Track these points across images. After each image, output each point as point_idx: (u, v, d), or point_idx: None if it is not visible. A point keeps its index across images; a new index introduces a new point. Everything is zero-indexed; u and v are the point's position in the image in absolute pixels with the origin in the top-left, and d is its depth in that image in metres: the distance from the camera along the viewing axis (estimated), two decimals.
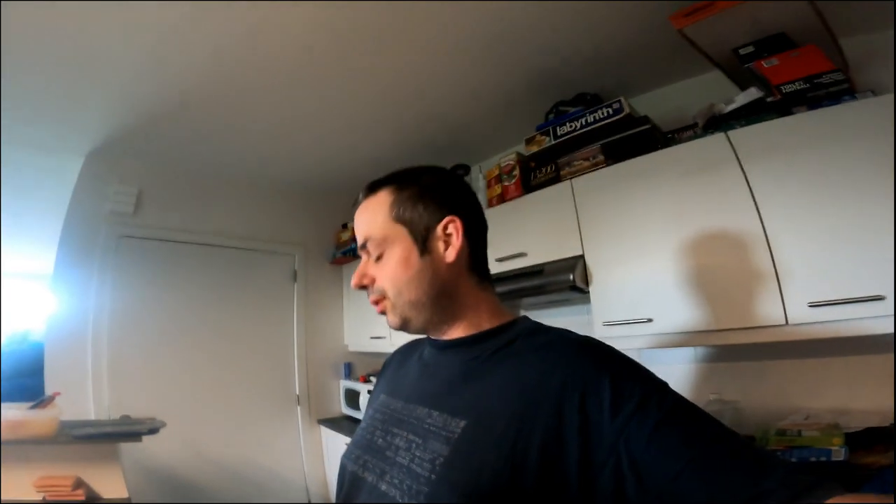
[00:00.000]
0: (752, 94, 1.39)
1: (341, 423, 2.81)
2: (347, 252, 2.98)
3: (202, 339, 2.64)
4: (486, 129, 2.30)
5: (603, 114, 1.68)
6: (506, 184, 1.99)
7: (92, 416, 2.24)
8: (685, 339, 1.43)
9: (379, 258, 0.71)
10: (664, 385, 0.57)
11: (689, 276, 1.42)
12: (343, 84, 1.85)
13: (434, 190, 0.72)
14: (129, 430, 1.51)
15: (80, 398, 2.25)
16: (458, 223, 0.70)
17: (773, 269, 1.25)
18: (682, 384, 1.72)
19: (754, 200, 1.30)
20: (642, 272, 1.52)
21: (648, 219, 1.53)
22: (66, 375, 2.25)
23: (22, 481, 1.40)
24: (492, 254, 1.89)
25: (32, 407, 1.50)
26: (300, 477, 2.77)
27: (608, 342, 1.55)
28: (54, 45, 1.54)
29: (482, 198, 2.16)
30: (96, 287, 2.38)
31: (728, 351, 1.63)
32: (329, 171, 2.73)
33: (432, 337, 0.76)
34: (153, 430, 1.55)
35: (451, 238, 0.70)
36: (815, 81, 1.25)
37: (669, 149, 1.53)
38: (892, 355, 1.27)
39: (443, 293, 0.69)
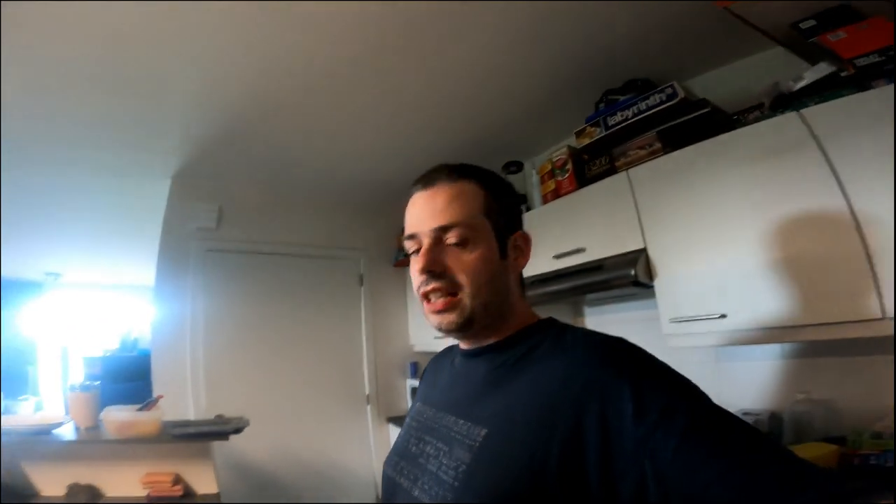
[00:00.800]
0: (823, 69, 1.26)
1: None
2: (408, 255, 3.03)
3: (281, 342, 2.84)
4: (535, 123, 2.25)
5: (656, 100, 1.59)
6: (559, 178, 1.94)
7: (191, 416, 2.50)
8: (764, 335, 1.31)
9: (459, 248, 0.66)
10: (693, 390, 0.55)
11: (767, 267, 1.29)
12: (393, 92, 1.89)
13: (510, 198, 0.75)
14: (218, 430, 1.66)
15: (182, 399, 2.52)
16: (529, 238, 0.74)
17: (865, 257, 1.10)
18: (764, 382, 1.59)
19: (839, 182, 1.15)
20: (713, 264, 1.42)
21: (716, 207, 1.42)
22: (169, 379, 2.53)
23: (131, 479, 1.59)
24: (548, 250, 1.91)
25: (140, 409, 1.71)
26: (370, 473, 2.91)
27: (677, 340, 1.45)
28: (128, 80, 1.70)
29: (536, 194, 2.12)
30: (190, 298, 2.65)
31: (815, 346, 1.47)
32: (386, 177, 2.80)
33: (462, 345, 0.76)
34: (238, 430, 1.70)
35: (520, 249, 0.72)
36: (890, 54, 1.11)
37: (735, 132, 1.40)
38: None
39: (506, 300, 0.70)
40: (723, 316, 1.37)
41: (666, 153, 1.57)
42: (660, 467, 0.47)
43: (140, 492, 1.59)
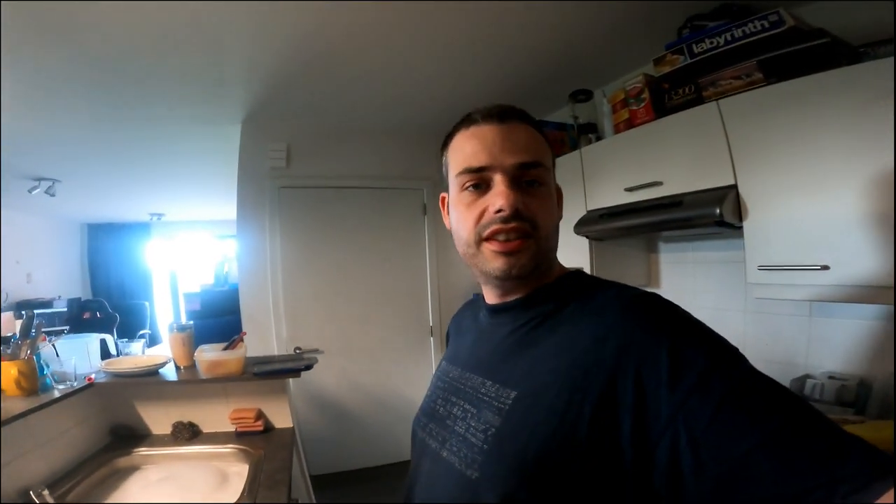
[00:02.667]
0: None
1: None
2: None
3: (350, 276, 2.98)
4: (607, 49, 2.00)
5: (756, 27, 1.34)
6: (633, 108, 1.73)
7: (275, 349, 2.75)
8: (870, 294, 1.13)
9: (536, 189, 0.62)
10: (734, 353, 0.50)
11: (881, 217, 1.09)
12: (449, 16, 1.74)
13: (550, 149, 0.71)
14: (290, 367, 1.79)
15: (267, 332, 2.78)
16: (561, 191, 0.71)
17: None
18: (859, 345, 1.40)
19: None
20: (817, 209, 1.22)
21: (827, 147, 1.20)
22: (255, 312, 2.78)
23: (222, 415, 1.79)
24: (619, 182, 1.77)
25: (226, 347, 1.88)
26: None
27: (764, 290, 1.32)
28: (192, 36, 1.76)
29: (607, 123, 1.91)
30: (268, 233, 2.83)
31: None
32: (445, 105, 2.66)
33: (489, 299, 0.72)
34: (308, 367, 1.82)
35: (560, 199, 0.70)
36: None
37: (861, 65, 1.16)
38: None
39: (555, 248, 0.68)
40: (825, 267, 1.19)
41: (769, 84, 1.33)
42: (695, 434, 0.44)
43: (230, 427, 1.78)
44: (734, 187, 1.41)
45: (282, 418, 1.84)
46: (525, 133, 0.64)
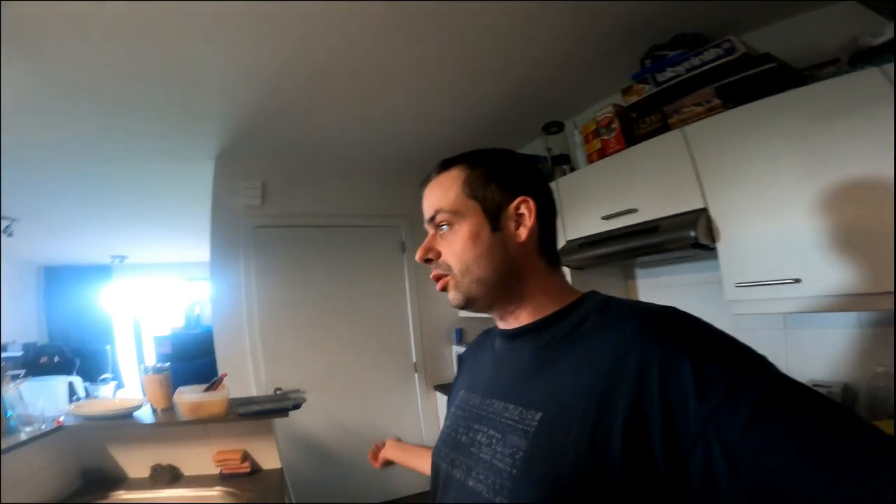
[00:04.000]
0: None
1: None
2: None
3: (329, 313, 2.92)
4: (576, 82, 2.11)
5: (712, 55, 1.47)
6: (605, 137, 1.82)
7: (253, 390, 2.64)
8: (843, 302, 1.20)
9: (446, 232, 0.69)
10: (761, 362, 0.50)
11: (846, 227, 1.18)
12: (424, 56, 1.81)
13: (507, 169, 0.71)
14: (279, 407, 1.73)
15: (244, 374, 2.67)
16: (531, 203, 0.68)
17: None
18: (837, 352, 1.47)
19: None
20: (784, 226, 1.30)
21: (787, 165, 1.29)
22: (231, 354, 2.67)
23: (205, 457, 1.71)
24: (596, 211, 1.82)
25: (207, 388, 1.80)
26: (419, 441, 2.97)
27: (743, 307, 1.38)
28: (166, 69, 1.74)
29: (580, 155, 2.00)
30: (243, 273, 2.76)
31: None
32: (422, 143, 2.73)
33: (500, 325, 0.73)
34: (297, 406, 1.76)
35: (522, 218, 0.68)
36: None
37: (807, 87, 1.27)
38: None
39: (511, 273, 0.67)
40: (797, 280, 1.26)
41: (727, 109, 1.44)
42: (728, 445, 0.44)
43: (214, 469, 1.70)
44: (705, 210, 1.48)
45: (269, 459, 1.76)
46: (433, 188, 0.71)
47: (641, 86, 1.64)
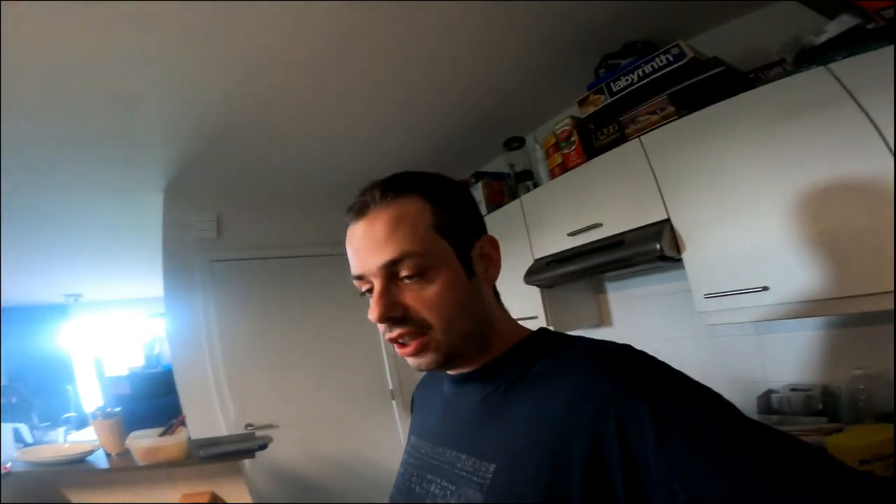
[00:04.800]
0: (847, 21, 1.15)
1: None
2: None
3: (299, 344, 2.81)
4: (533, 95, 2.10)
5: (662, 61, 1.47)
6: (565, 151, 1.80)
7: (223, 426, 2.51)
8: (811, 308, 1.19)
9: (415, 282, 0.56)
10: (721, 403, 0.48)
11: (808, 232, 1.17)
12: (378, 78, 1.78)
13: (468, 204, 0.65)
14: (243, 448, 1.64)
15: (210, 412, 2.52)
16: (495, 241, 0.64)
17: None
18: (812, 354, 1.47)
19: (882, 138, 1.03)
20: (747, 233, 1.29)
21: (744, 171, 1.29)
22: (195, 392, 2.53)
23: (170, 500, 1.60)
24: (562, 228, 1.80)
25: (163, 433, 1.69)
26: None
27: (714, 317, 1.36)
28: (106, 97, 1.63)
29: (543, 169, 1.99)
30: (202, 309, 2.62)
31: (865, 315, 1.33)
32: (384, 166, 2.65)
33: (449, 371, 0.66)
34: (263, 447, 1.68)
35: (488, 259, 0.63)
36: None
37: (758, 89, 1.27)
38: None
39: (486, 322, 0.62)
40: (765, 288, 1.25)
41: (681, 116, 1.44)
42: (693, 491, 0.42)
43: None
44: (668, 221, 1.46)
45: (240, 500, 1.67)
46: (386, 221, 0.56)
47: (597, 96, 1.62)
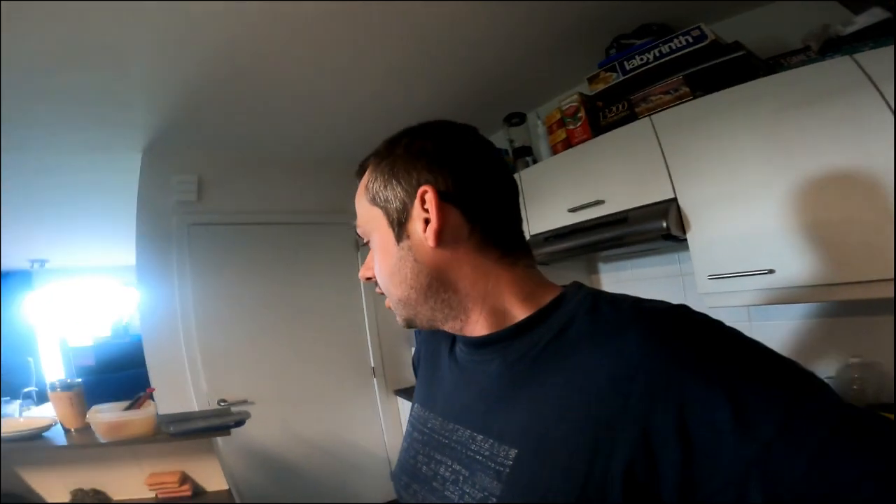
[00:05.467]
0: (877, 14, 1.14)
1: None
2: None
3: (279, 316, 2.70)
4: (537, 72, 2.04)
5: (681, 42, 1.43)
6: (570, 127, 1.75)
7: (194, 402, 2.39)
8: (811, 293, 1.19)
9: (370, 248, 0.60)
10: (815, 384, 0.39)
11: (817, 218, 1.16)
12: (377, 41, 1.68)
13: (408, 157, 0.54)
14: (219, 425, 1.54)
15: (181, 386, 2.41)
16: (432, 193, 0.51)
17: None
18: (803, 343, 1.48)
19: None
20: (755, 216, 1.27)
21: (757, 155, 1.27)
22: (165, 365, 2.40)
23: (135, 480, 1.49)
24: (562, 203, 1.74)
25: (128, 407, 1.58)
26: (381, 449, 2.84)
27: (716, 299, 1.33)
28: (87, 50, 1.52)
29: (543, 146, 1.93)
30: (177, 276, 2.49)
31: (855, 305, 1.34)
32: (377, 134, 2.56)
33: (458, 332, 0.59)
34: (240, 423, 1.58)
35: (426, 216, 0.52)
36: None
37: (778, 75, 1.25)
38: None
39: (436, 285, 0.54)
40: (771, 271, 1.23)
41: (696, 97, 1.41)
42: (779, 491, 0.34)
43: (148, 493, 1.50)
44: (674, 200, 1.44)
45: (213, 480, 1.58)
46: (356, 196, 0.61)
47: (608, 74, 1.58)
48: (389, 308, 0.61)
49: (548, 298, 0.53)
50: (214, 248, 2.60)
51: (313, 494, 2.57)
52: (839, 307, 1.39)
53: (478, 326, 0.55)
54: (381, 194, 0.55)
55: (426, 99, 2.20)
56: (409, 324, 0.59)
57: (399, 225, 0.54)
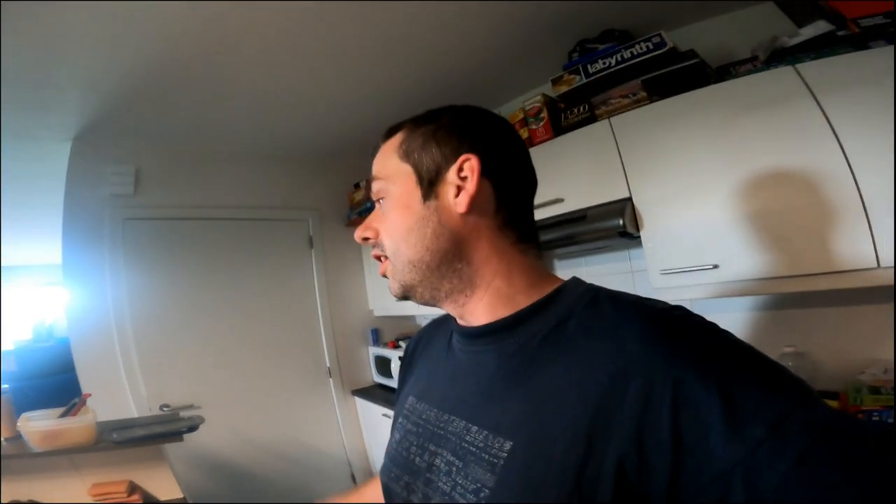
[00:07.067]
0: (821, 27, 1.24)
1: (375, 393, 2.77)
2: (363, 212, 2.84)
3: (226, 317, 2.57)
4: (500, 73, 2.08)
5: (642, 48, 1.52)
6: (533, 127, 1.81)
7: (132, 408, 2.23)
8: (756, 286, 1.29)
9: (383, 205, 0.59)
10: (805, 389, 0.41)
11: (760, 215, 1.27)
12: (338, 33, 1.64)
13: (453, 126, 0.57)
14: (169, 430, 1.45)
15: (117, 391, 2.23)
16: (475, 161, 0.54)
17: (861, 208, 1.11)
18: (746, 336, 1.60)
19: (835, 134, 1.14)
20: (702, 214, 1.37)
21: (705, 157, 1.37)
22: (98, 369, 2.21)
23: (76, 490, 1.37)
24: None
25: (64, 414, 1.44)
26: (341, 451, 2.78)
27: (668, 294, 1.42)
28: (16, 25, 1.36)
29: None
30: (110, 274, 2.30)
31: (790, 298, 1.48)
32: (335, 128, 2.53)
33: (459, 321, 0.61)
34: (193, 428, 1.49)
35: (465, 182, 0.54)
36: None
37: (727, 82, 1.36)
38: None
39: (452, 252, 0.55)
40: (715, 266, 1.34)
41: (652, 101, 1.51)
42: (759, 492, 0.35)
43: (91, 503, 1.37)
44: (630, 199, 1.53)
45: (166, 489, 1.47)
46: (380, 155, 0.61)
47: (572, 76, 1.65)
48: (384, 275, 0.60)
49: (549, 289, 0.55)
50: (154, 245, 2.43)
51: (271, 500, 2.47)
52: (778, 301, 1.52)
53: (479, 307, 0.56)
54: (416, 153, 0.56)
55: (388, 96, 2.17)
56: (407, 291, 0.57)
57: (429, 185, 0.55)
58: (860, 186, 1.10)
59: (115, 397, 2.20)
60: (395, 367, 2.67)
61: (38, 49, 1.48)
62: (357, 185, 2.94)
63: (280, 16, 1.50)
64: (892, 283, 1.07)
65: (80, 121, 2.11)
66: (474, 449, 0.49)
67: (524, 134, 1.84)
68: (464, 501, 0.47)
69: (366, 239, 0.60)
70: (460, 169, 0.54)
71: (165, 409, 2.28)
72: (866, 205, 1.10)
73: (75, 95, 1.88)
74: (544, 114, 1.76)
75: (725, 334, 0.45)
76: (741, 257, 1.29)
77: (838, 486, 0.34)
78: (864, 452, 0.36)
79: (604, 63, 1.58)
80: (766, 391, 0.39)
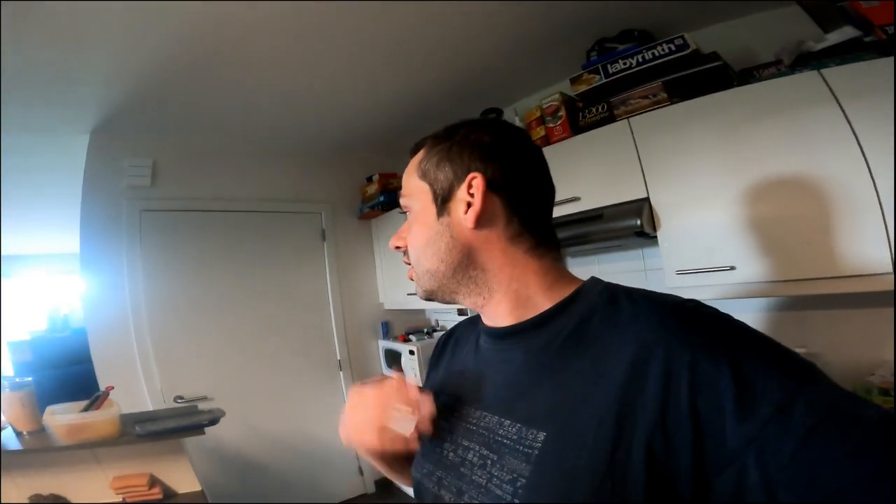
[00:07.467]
0: (848, 32, 1.23)
1: None
2: (375, 206, 2.86)
3: (239, 309, 2.60)
4: (517, 70, 2.08)
5: (664, 50, 1.52)
6: (550, 125, 1.81)
7: (146, 399, 2.26)
8: (771, 288, 1.30)
9: (408, 218, 0.66)
10: (812, 371, 0.43)
11: (777, 219, 1.27)
12: (356, 32, 1.65)
13: (465, 143, 0.61)
14: (192, 423, 1.47)
15: (132, 382, 2.26)
16: (480, 180, 0.58)
17: (879, 212, 1.10)
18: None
19: (857, 140, 1.14)
20: (721, 216, 1.37)
21: (726, 159, 1.36)
22: (114, 360, 2.25)
23: (98, 484, 1.40)
24: None
25: (87, 407, 1.47)
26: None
27: (680, 293, 1.44)
28: (38, 22, 1.38)
29: None
30: (127, 264, 2.34)
31: (808, 299, 1.48)
32: (349, 123, 2.54)
33: (486, 321, 0.65)
34: (214, 421, 1.52)
35: (471, 199, 0.59)
36: None
37: (750, 85, 1.35)
38: None
39: (466, 262, 0.60)
40: (732, 268, 1.34)
41: (672, 103, 1.50)
42: (771, 470, 0.38)
43: (113, 497, 1.40)
44: (647, 199, 1.53)
45: (184, 481, 1.50)
46: (407, 170, 0.66)
47: (591, 76, 1.64)
48: (411, 279, 0.66)
49: (569, 290, 0.58)
50: (170, 237, 2.46)
51: (282, 493, 2.52)
52: (789, 302, 1.53)
53: (500, 307, 0.60)
54: (431, 172, 0.61)
55: (403, 91, 2.18)
56: (430, 296, 0.64)
57: (442, 202, 0.60)
58: (879, 192, 1.11)
59: (130, 388, 2.23)
60: (405, 360, 2.69)
61: (58, 46, 1.50)
62: (369, 179, 2.95)
63: (295, 14, 1.51)
64: None
65: (97, 115, 2.13)
66: (508, 441, 0.52)
67: (541, 132, 1.84)
68: (500, 492, 0.49)
69: (398, 247, 0.66)
70: (469, 186, 0.58)
71: (179, 400, 2.32)
72: (884, 210, 1.10)
73: (94, 90, 1.90)
74: (562, 112, 1.76)
75: (735, 322, 0.48)
76: (757, 259, 1.30)
77: (840, 460, 0.36)
78: (863, 431, 0.38)
79: (624, 63, 1.57)
80: (775, 373, 0.42)
